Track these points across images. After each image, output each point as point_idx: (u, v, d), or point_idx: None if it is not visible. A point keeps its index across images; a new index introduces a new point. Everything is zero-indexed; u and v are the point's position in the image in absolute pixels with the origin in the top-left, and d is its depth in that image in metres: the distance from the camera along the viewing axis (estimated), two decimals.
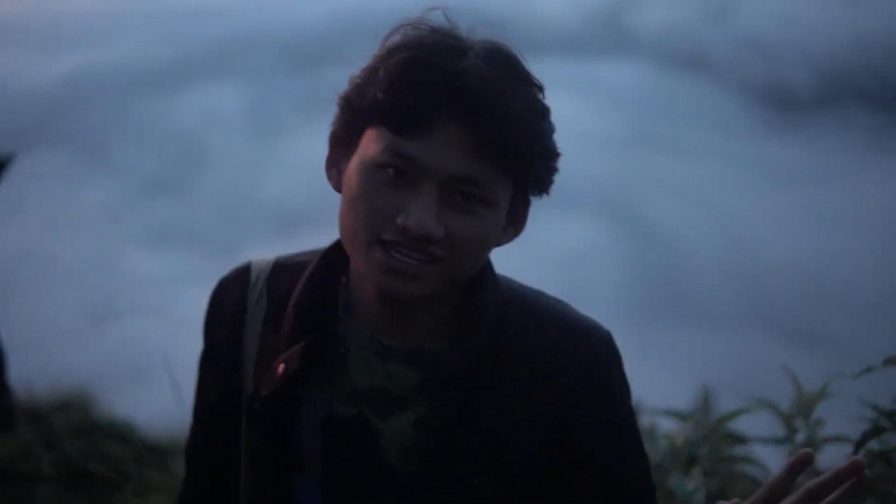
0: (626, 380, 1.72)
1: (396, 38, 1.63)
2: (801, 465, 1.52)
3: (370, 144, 1.60)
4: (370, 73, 1.62)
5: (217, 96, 27.04)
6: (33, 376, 6.54)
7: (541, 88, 1.62)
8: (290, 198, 23.93)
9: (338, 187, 1.70)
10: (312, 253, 1.84)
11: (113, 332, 17.56)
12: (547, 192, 1.67)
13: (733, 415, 2.63)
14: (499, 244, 1.69)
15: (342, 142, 1.68)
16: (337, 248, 1.77)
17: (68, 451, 5.35)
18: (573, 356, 1.68)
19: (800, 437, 2.57)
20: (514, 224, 1.69)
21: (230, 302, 1.83)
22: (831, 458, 2.64)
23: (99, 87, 26.29)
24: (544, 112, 1.62)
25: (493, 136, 1.54)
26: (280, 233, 22.87)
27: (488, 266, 1.73)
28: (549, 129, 1.62)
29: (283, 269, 1.84)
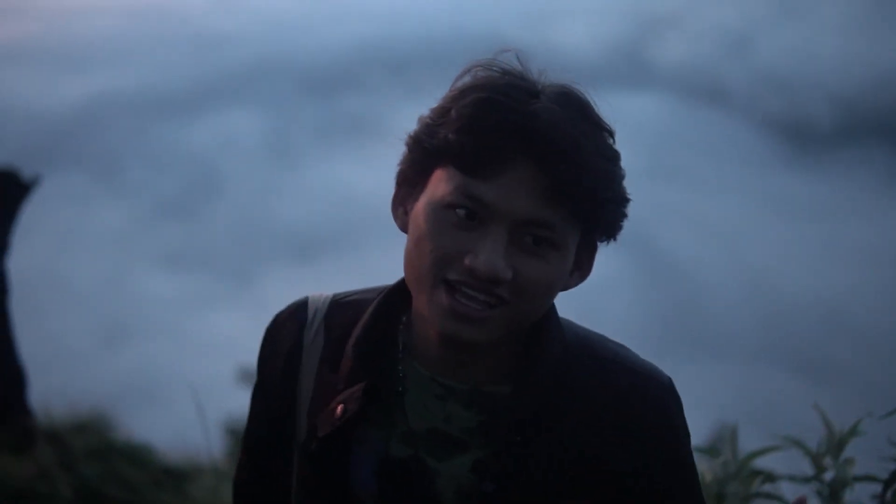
0: (687, 426, 1.72)
1: (468, 79, 1.61)
2: None
3: (440, 184, 1.58)
4: (441, 114, 1.59)
5: (234, 122, 27.14)
6: (50, 398, 6.55)
7: (611, 133, 1.60)
8: (304, 224, 23.98)
9: (403, 227, 1.66)
10: (369, 291, 1.82)
11: (126, 354, 17.60)
12: (614, 238, 1.65)
13: (761, 452, 2.59)
14: (565, 288, 1.66)
15: (410, 181, 1.65)
16: (398, 287, 1.75)
17: (85, 473, 5.34)
18: (640, 404, 1.67)
19: (828, 475, 2.53)
20: (580, 269, 1.67)
21: (286, 338, 1.81)
22: (859, 498, 2.62)
23: (117, 110, 26.41)
24: (615, 157, 1.61)
25: (565, 181, 1.53)
26: (294, 259, 22.93)
27: (552, 309, 1.71)
28: (619, 174, 1.61)
29: (341, 308, 1.81)
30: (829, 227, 24.12)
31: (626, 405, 1.67)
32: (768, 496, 2.60)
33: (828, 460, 2.57)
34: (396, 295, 1.74)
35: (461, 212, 1.55)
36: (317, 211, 23.89)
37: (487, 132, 1.53)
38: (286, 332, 1.81)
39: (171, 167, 26.03)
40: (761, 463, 2.67)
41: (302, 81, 28.51)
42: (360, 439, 1.70)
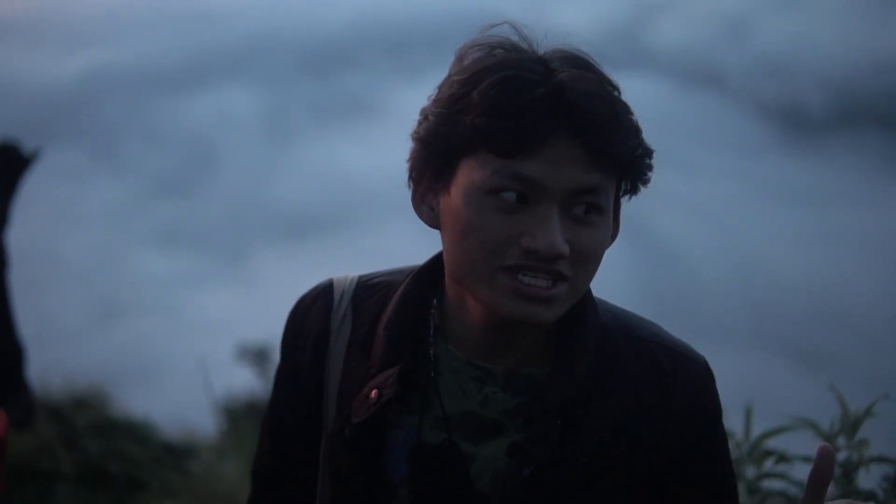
0: (721, 405, 1.72)
1: (475, 61, 1.58)
2: (828, 460, 1.49)
3: (474, 172, 1.54)
4: (459, 100, 1.55)
5: (231, 99, 27.06)
6: (47, 374, 6.54)
7: (617, 88, 1.59)
8: (299, 203, 23.93)
9: (432, 223, 1.63)
10: (394, 273, 1.81)
11: (120, 331, 17.58)
12: (638, 193, 1.63)
13: (774, 432, 2.60)
14: None
15: (430, 176, 1.61)
16: (428, 269, 1.73)
17: (87, 449, 5.34)
18: (682, 385, 1.67)
19: (841, 456, 2.54)
20: (614, 229, 1.65)
21: (313, 323, 1.78)
22: (870, 480, 2.62)
23: (113, 86, 26.32)
24: (632, 111, 1.59)
25: (605, 145, 1.51)
26: (288, 237, 22.89)
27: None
28: (639, 127, 1.58)
29: (368, 290, 1.79)
30: (823, 212, 24.14)
31: (668, 386, 1.66)
32: (781, 476, 2.61)
33: (840, 441, 2.57)
34: (426, 276, 1.72)
35: (510, 195, 1.52)
36: (312, 190, 23.84)
37: (519, 111, 1.50)
38: (312, 317, 1.79)
39: (168, 144, 25.97)
40: (773, 444, 2.68)
41: (299, 59, 28.42)
42: (392, 424, 1.68)
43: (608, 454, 1.63)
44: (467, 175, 1.55)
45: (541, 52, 1.58)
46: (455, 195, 1.56)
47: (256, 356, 8.10)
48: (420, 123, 1.60)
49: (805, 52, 29.02)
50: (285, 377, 1.83)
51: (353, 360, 1.73)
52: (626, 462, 1.64)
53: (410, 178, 1.65)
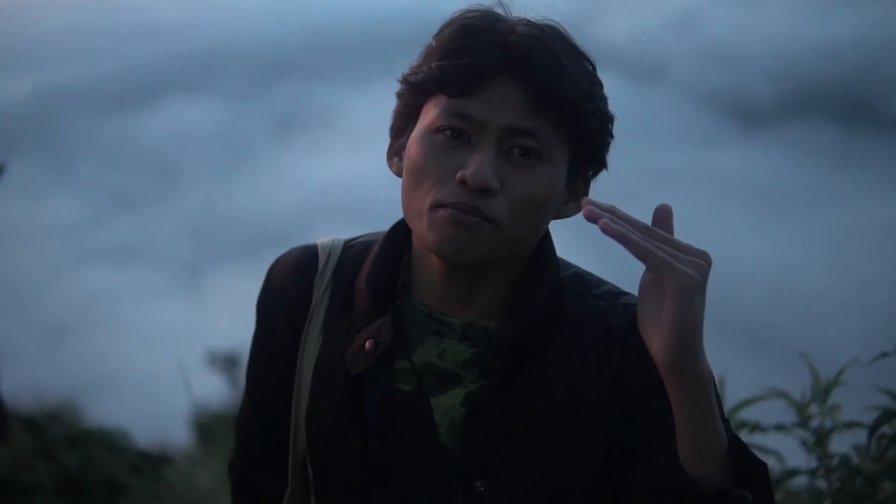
0: None
1: (447, 21, 1.66)
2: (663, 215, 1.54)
3: (427, 115, 1.62)
4: (425, 53, 1.65)
5: (186, 113, 26.92)
6: (16, 387, 6.52)
7: (592, 63, 1.64)
8: (256, 216, 23.84)
9: (399, 172, 1.69)
10: (376, 234, 1.84)
11: (74, 346, 17.43)
12: (604, 165, 1.69)
13: (748, 402, 2.66)
14: (558, 216, 1.69)
15: (401, 129, 1.69)
16: (400, 225, 1.77)
17: (64, 461, 5.32)
18: (635, 343, 1.63)
19: (814, 423, 2.60)
20: (575, 200, 1.68)
21: (291, 286, 1.83)
22: (841, 447, 2.68)
23: (68, 103, 26.13)
24: (596, 78, 1.65)
25: (546, 89, 1.57)
26: (245, 251, 22.78)
27: (548, 242, 1.74)
28: (602, 95, 1.64)
29: (351, 250, 1.83)
30: (770, 201, 24.28)
31: (622, 340, 1.69)
32: (756, 447, 2.67)
33: (813, 409, 2.63)
34: (400, 232, 1.77)
35: (448, 132, 1.59)
36: (269, 203, 23.77)
37: (468, 52, 1.58)
38: (291, 280, 1.83)
39: (124, 160, 25.80)
40: (745, 416, 2.73)
41: (253, 72, 28.32)
42: (366, 377, 1.72)
43: (549, 401, 1.67)
44: (423, 119, 1.63)
45: (516, 17, 1.64)
46: (411, 138, 1.64)
47: (226, 363, 8.10)
48: (399, 80, 1.68)
49: (752, 42, 29.23)
50: (257, 339, 1.87)
51: (333, 321, 1.77)
52: (571, 411, 1.66)
53: (389, 133, 1.73)
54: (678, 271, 1.47)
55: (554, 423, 1.66)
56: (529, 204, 1.61)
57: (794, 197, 24.52)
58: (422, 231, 1.63)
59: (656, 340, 1.51)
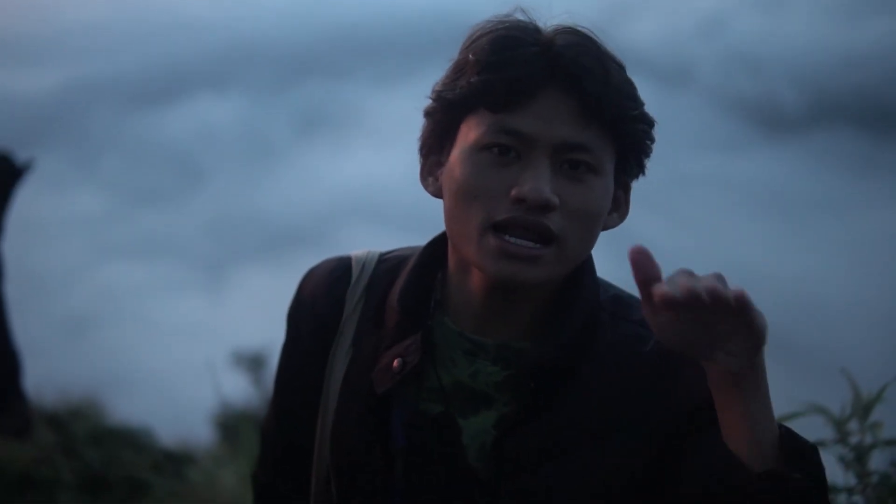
0: None
1: (475, 29, 1.62)
2: (641, 258, 1.46)
3: (470, 132, 1.57)
4: (458, 66, 1.60)
5: (211, 110, 27.02)
6: (40, 384, 6.54)
7: (622, 66, 1.61)
8: (279, 214, 23.90)
9: (437, 193, 1.67)
10: (409, 249, 1.81)
11: (97, 341, 17.50)
12: (643, 171, 1.66)
13: (786, 418, 2.63)
14: (605, 228, 1.65)
15: (436, 148, 1.66)
16: (437, 242, 1.74)
17: (87, 457, 5.33)
18: (676, 369, 1.64)
19: (853, 439, 2.57)
20: (617, 209, 1.67)
21: (326, 298, 1.79)
22: (878, 464, 2.65)
23: (94, 97, 26.26)
24: (633, 84, 1.62)
25: (595, 99, 1.54)
26: (267, 249, 22.84)
27: (589, 262, 1.70)
28: (642, 101, 1.61)
29: (385, 264, 1.80)
30: (797, 209, 24.23)
31: (655, 369, 1.66)
32: None
33: (852, 425, 2.60)
34: (436, 249, 1.74)
35: (496, 150, 1.55)
36: (291, 201, 23.82)
37: (510, 65, 1.54)
38: (323, 292, 1.80)
39: (149, 155, 25.90)
40: None
41: (279, 69, 28.39)
42: (393, 395, 1.70)
43: (582, 424, 1.64)
44: (465, 136, 1.59)
45: (546, 27, 1.62)
46: (453, 158, 1.60)
47: (251, 363, 8.11)
48: (429, 99, 1.64)
49: (778, 48, 29.16)
50: (287, 349, 1.85)
51: (364, 335, 1.75)
52: (604, 435, 1.64)
53: (420, 153, 1.69)
54: (757, 313, 1.45)
55: (586, 446, 1.64)
56: (586, 218, 1.58)
57: (820, 204, 24.46)
58: (471, 255, 1.60)
59: (725, 357, 1.48)
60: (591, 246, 1.65)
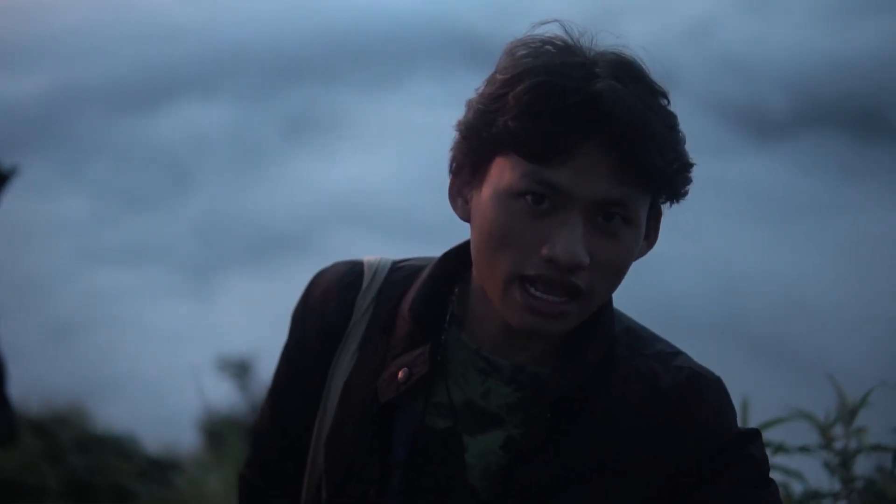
0: (734, 425, 1.67)
1: (519, 60, 1.55)
2: None
3: (504, 174, 1.53)
4: (495, 100, 1.54)
5: (199, 115, 26.97)
6: (25, 391, 6.52)
7: (666, 96, 1.56)
8: (266, 220, 23.86)
9: (465, 217, 1.63)
10: (423, 259, 1.80)
11: (82, 346, 17.45)
12: (678, 202, 1.63)
13: (771, 424, 2.63)
14: (634, 260, 1.62)
15: (467, 170, 1.61)
16: (453, 255, 1.73)
17: (72, 465, 5.31)
18: (692, 406, 1.63)
19: (838, 445, 2.57)
20: (647, 238, 1.64)
21: (331, 302, 1.77)
22: (865, 469, 2.65)
23: (81, 102, 26.20)
24: (676, 123, 1.57)
25: (636, 158, 1.50)
26: (255, 255, 22.80)
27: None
28: (682, 139, 1.58)
29: (397, 273, 1.78)
30: (785, 213, 24.28)
31: (671, 405, 1.65)
32: (780, 469, 2.64)
33: (837, 430, 2.60)
34: (454, 261, 1.72)
35: (530, 198, 1.51)
36: (280, 206, 23.78)
37: (551, 118, 1.49)
38: (332, 296, 1.78)
39: (136, 160, 25.86)
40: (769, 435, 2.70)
41: (267, 74, 28.36)
42: (398, 407, 1.68)
43: (594, 457, 1.62)
44: (498, 175, 1.55)
45: (590, 54, 1.56)
46: (486, 193, 1.56)
47: (237, 369, 8.09)
48: (464, 115, 1.60)
49: (766, 53, 29.22)
50: (289, 350, 1.83)
51: (370, 342, 1.73)
52: (615, 470, 1.62)
53: (450, 169, 1.65)
54: None
55: (596, 480, 1.62)
56: (616, 271, 1.57)
57: (807, 207, 24.50)
58: (495, 300, 1.58)
59: None
60: (616, 289, 1.62)
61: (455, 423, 1.66)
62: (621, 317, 1.73)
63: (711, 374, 1.70)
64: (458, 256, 1.72)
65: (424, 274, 1.73)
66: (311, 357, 1.78)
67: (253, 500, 1.89)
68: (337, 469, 1.72)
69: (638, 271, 1.61)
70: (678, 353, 1.72)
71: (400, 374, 1.66)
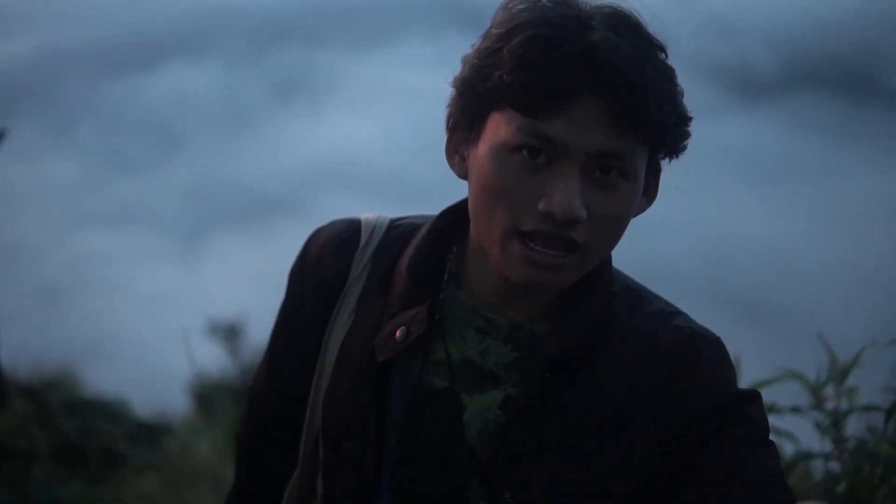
0: (734, 384, 1.66)
1: (514, 14, 1.53)
2: None
3: (500, 128, 1.51)
4: (491, 54, 1.52)
5: (186, 77, 26.88)
6: (15, 354, 6.51)
7: (664, 49, 1.54)
8: (255, 183, 23.82)
9: (462, 174, 1.61)
10: (423, 217, 1.77)
11: (71, 309, 17.42)
12: (677, 157, 1.60)
13: (763, 384, 2.63)
14: (633, 216, 1.60)
15: (464, 127, 1.59)
16: (451, 213, 1.71)
17: (62, 428, 5.31)
18: (690, 364, 1.62)
19: (829, 405, 2.58)
20: (646, 193, 1.61)
21: (328, 260, 1.75)
22: (857, 429, 2.65)
23: (67, 66, 26.09)
24: (673, 76, 1.54)
25: (633, 110, 1.47)
26: (243, 217, 22.77)
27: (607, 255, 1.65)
28: (680, 93, 1.54)
29: (395, 231, 1.76)
30: (773, 173, 24.30)
31: (669, 364, 1.63)
32: (772, 430, 2.64)
33: (828, 391, 2.60)
34: (451, 218, 1.70)
35: (525, 152, 1.50)
36: (268, 168, 23.73)
37: (546, 70, 1.47)
38: (329, 254, 1.76)
39: (124, 123, 25.78)
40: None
41: (254, 34, 28.24)
42: (395, 366, 1.67)
43: (592, 416, 1.61)
44: (494, 130, 1.53)
45: (586, 7, 1.54)
46: (482, 149, 1.55)
47: (227, 333, 8.08)
48: (460, 71, 1.58)
49: (753, 13, 29.15)
50: (287, 308, 1.82)
51: (368, 300, 1.71)
52: (613, 429, 1.61)
53: (447, 126, 1.63)
54: None
55: (595, 439, 1.61)
56: (614, 225, 1.55)
57: (795, 169, 24.52)
58: (494, 255, 1.56)
59: None
60: (616, 245, 1.61)
61: (453, 383, 1.64)
62: (620, 275, 1.71)
63: (711, 333, 1.68)
64: (456, 214, 1.70)
65: (422, 232, 1.71)
66: (309, 315, 1.76)
67: (249, 459, 1.88)
68: (334, 428, 1.71)
69: (626, 234, 1.59)
70: (678, 312, 1.70)
71: (398, 333, 1.64)
